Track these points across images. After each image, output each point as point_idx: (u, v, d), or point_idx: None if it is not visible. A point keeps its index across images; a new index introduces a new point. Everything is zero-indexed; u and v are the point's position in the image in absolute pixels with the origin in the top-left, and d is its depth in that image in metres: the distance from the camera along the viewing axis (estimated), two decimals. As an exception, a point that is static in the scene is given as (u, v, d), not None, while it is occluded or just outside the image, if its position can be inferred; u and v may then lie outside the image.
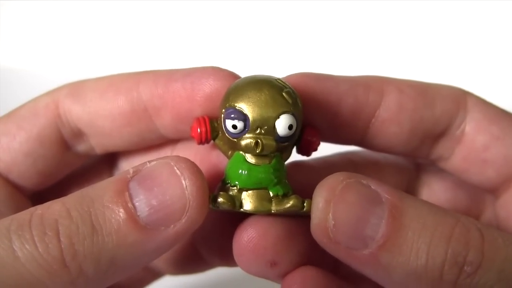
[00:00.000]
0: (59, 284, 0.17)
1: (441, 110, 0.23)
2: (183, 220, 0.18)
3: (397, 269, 0.17)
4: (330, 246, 0.18)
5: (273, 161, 0.20)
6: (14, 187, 0.23)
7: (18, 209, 0.22)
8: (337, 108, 0.22)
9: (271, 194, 0.20)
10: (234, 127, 0.19)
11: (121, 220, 0.17)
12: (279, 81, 0.20)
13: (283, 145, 0.20)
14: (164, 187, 0.18)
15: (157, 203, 0.18)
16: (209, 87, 0.21)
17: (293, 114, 0.19)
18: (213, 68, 0.22)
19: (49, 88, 0.24)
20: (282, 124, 0.19)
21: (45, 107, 0.23)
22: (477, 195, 0.25)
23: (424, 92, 0.23)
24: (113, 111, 0.23)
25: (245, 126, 0.19)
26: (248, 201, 0.20)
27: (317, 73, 0.22)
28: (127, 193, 0.18)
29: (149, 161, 0.19)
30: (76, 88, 0.23)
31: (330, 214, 0.18)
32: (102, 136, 0.23)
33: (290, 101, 0.19)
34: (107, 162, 0.26)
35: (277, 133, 0.19)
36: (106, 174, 0.26)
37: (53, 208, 0.18)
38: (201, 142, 0.21)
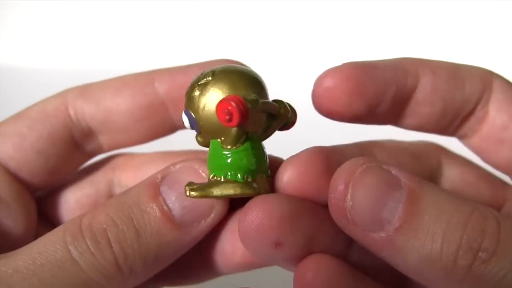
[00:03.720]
0: (115, 284, 0.19)
1: (470, 91, 0.23)
2: (212, 215, 0.21)
3: (412, 252, 0.17)
4: (347, 227, 0.19)
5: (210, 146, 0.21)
6: (22, 184, 0.24)
7: (25, 205, 0.24)
8: (383, 95, 0.23)
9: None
10: None
11: (159, 222, 0.20)
12: (192, 81, 0.21)
13: (200, 135, 0.21)
14: None
15: (188, 204, 0.20)
16: None
17: (184, 111, 0.20)
18: (226, 60, 0.23)
19: (52, 86, 0.25)
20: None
21: (54, 109, 0.24)
22: (498, 189, 0.25)
23: (455, 73, 0.23)
24: (131, 107, 0.24)
25: None
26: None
27: (362, 62, 0.23)
28: (160, 197, 0.20)
29: (173, 165, 0.21)
30: (86, 89, 0.24)
31: (349, 195, 0.18)
32: (116, 132, 0.25)
33: (186, 97, 0.20)
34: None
35: None
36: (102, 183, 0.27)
37: (99, 217, 0.20)
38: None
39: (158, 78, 0.24)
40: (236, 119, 0.18)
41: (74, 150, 0.25)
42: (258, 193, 0.20)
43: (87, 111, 0.24)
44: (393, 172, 0.18)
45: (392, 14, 0.63)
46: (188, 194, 0.20)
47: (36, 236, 0.23)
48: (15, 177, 0.24)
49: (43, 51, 0.67)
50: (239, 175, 0.20)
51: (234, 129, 0.19)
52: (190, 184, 0.20)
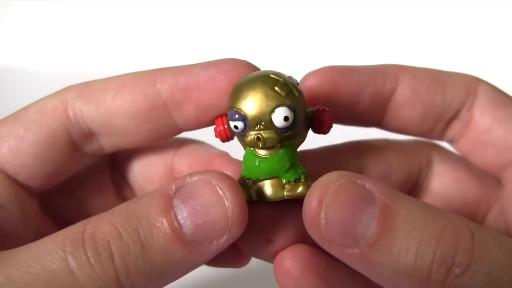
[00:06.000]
0: None
1: (452, 95, 0.24)
2: (225, 236, 0.19)
3: (387, 267, 0.18)
4: (323, 243, 0.19)
5: (281, 150, 0.21)
6: (22, 187, 0.23)
7: (26, 209, 0.23)
8: (359, 96, 0.24)
9: (284, 181, 0.21)
10: (236, 127, 0.20)
11: (168, 238, 0.18)
12: (274, 76, 0.20)
13: (287, 134, 0.20)
14: (208, 207, 0.19)
15: (202, 222, 0.19)
16: (235, 76, 0.22)
17: (288, 106, 0.20)
18: (232, 60, 0.22)
19: (52, 86, 0.24)
20: (278, 117, 0.20)
21: (53, 109, 0.23)
22: (489, 188, 0.26)
23: (437, 78, 0.24)
24: (131, 110, 0.23)
25: (245, 125, 0.20)
26: (262, 191, 0.21)
27: (341, 65, 0.24)
28: (172, 212, 0.19)
29: (189, 176, 0.19)
30: (85, 90, 0.23)
31: (322, 214, 0.18)
32: (117, 135, 0.24)
33: (283, 93, 0.20)
34: (105, 158, 0.27)
35: (275, 126, 0.20)
36: (105, 170, 0.27)
37: (103, 227, 0.18)
38: (224, 140, 0.22)
39: (160, 79, 0.23)
40: (330, 128, 0.21)
41: (73, 152, 0.24)
42: None
43: (86, 113, 0.23)
44: (367, 187, 0.18)
45: (389, 19, 0.63)
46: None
47: (36, 237, 0.23)
48: (13, 181, 0.23)
49: (43, 51, 0.68)
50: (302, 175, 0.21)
51: (306, 135, 0.21)
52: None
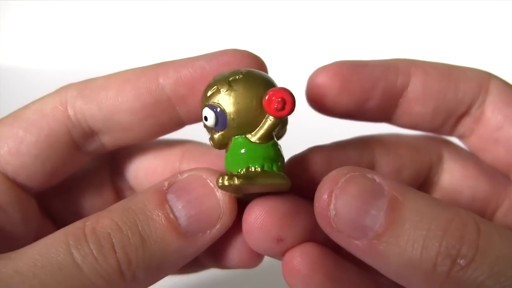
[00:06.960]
0: None
1: (464, 92, 0.24)
2: (218, 226, 0.21)
3: (394, 258, 0.18)
4: (333, 234, 0.19)
5: (229, 147, 0.21)
6: (21, 188, 0.23)
7: (25, 210, 0.23)
8: (370, 92, 0.24)
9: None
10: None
11: (165, 229, 0.20)
12: (213, 79, 0.21)
13: (224, 131, 0.20)
14: (200, 199, 0.20)
15: (195, 213, 0.20)
16: (238, 67, 0.21)
17: (207, 105, 0.20)
18: (234, 50, 0.23)
19: (52, 86, 0.24)
20: (203, 118, 0.21)
21: (52, 109, 0.23)
22: (498, 185, 0.26)
23: (449, 74, 0.24)
24: (135, 106, 0.23)
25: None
26: None
27: (352, 60, 0.24)
28: (167, 205, 0.20)
29: (180, 174, 0.21)
30: (85, 88, 0.23)
31: (332, 205, 0.19)
32: (119, 132, 0.24)
33: (208, 94, 0.20)
34: (104, 161, 0.27)
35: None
36: (104, 173, 0.27)
37: (103, 222, 0.19)
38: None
39: (163, 73, 0.23)
40: (289, 107, 0.19)
41: (74, 151, 0.24)
42: (290, 186, 0.21)
43: (87, 112, 0.23)
44: (377, 181, 0.19)
45: (396, 15, 0.63)
46: (230, 182, 0.19)
47: (36, 238, 0.23)
48: (13, 182, 0.23)
49: (43, 51, 0.68)
50: (274, 166, 0.20)
51: (271, 122, 0.20)
52: (223, 174, 0.20)
